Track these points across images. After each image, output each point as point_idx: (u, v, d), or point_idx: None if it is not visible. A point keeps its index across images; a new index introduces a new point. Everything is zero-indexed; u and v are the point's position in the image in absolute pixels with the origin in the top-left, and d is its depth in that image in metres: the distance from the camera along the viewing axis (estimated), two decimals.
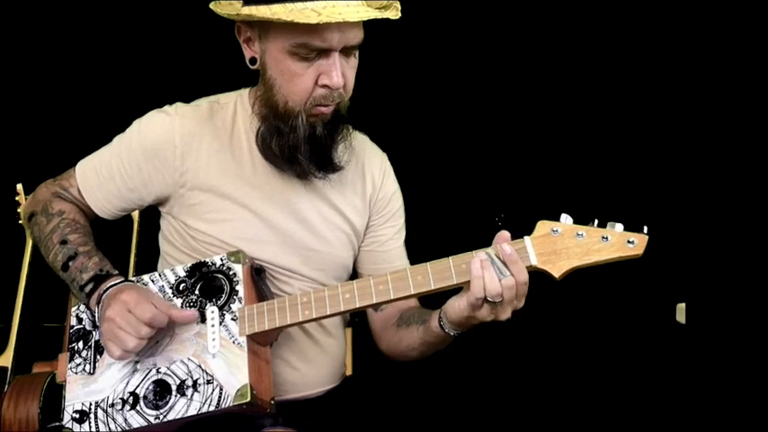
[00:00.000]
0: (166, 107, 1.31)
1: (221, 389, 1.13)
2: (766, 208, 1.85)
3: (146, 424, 1.14)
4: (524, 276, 1.08)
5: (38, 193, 1.36)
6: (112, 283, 1.19)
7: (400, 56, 2.32)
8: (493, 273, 1.07)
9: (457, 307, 1.13)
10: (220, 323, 1.18)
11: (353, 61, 1.21)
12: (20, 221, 2.06)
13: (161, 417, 1.13)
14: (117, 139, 1.32)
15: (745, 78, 1.98)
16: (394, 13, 1.17)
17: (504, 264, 1.07)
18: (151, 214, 1.41)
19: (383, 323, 1.40)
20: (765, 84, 1.93)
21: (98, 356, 1.21)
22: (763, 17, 1.93)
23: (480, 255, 1.09)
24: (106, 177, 1.30)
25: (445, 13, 2.36)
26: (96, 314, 1.20)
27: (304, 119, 1.20)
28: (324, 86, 1.17)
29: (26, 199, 2.08)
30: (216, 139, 1.29)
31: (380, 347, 1.42)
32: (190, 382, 1.14)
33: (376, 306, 1.17)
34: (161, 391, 1.15)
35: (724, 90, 2.03)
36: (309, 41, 1.13)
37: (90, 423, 1.16)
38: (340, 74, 1.16)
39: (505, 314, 1.10)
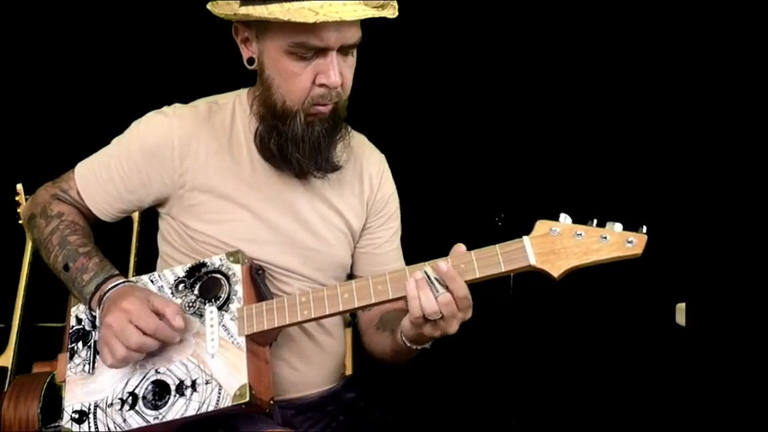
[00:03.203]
0: (165, 108, 1.31)
1: (220, 389, 1.12)
2: (766, 208, 1.85)
3: (145, 424, 1.14)
4: (463, 292, 1.07)
5: (37, 196, 1.35)
6: (113, 284, 1.19)
7: (399, 55, 2.32)
8: (428, 292, 1.06)
9: (405, 325, 1.14)
10: (219, 323, 1.18)
11: (351, 60, 1.21)
12: (20, 222, 2.06)
13: (160, 417, 1.13)
14: (116, 141, 1.32)
15: (745, 78, 1.98)
16: (391, 12, 1.17)
17: (441, 281, 1.06)
18: (151, 215, 1.41)
19: (367, 323, 1.41)
20: (765, 84, 1.93)
21: (97, 357, 1.21)
22: (764, 17, 1.93)
23: (416, 274, 1.07)
24: (105, 179, 1.30)
25: (443, 12, 2.36)
26: (97, 316, 1.20)
27: (302, 118, 1.20)
28: (321, 86, 1.17)
29: (26, 199, 2.10)
30: (214, 140, 1.29)
31: (363, 345, 1.43)
32: (189, 382, 1.14)
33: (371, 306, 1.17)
34: (160, 391, 1.15)
35: (724, 90, 2.02)
36: (307, 41, 1.13)
37: (89, 423, 1.16)
38: (338, 73, 1.16)
39: (452, 328, 1.09)
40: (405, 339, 1.19)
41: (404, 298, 1.13)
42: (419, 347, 1.20)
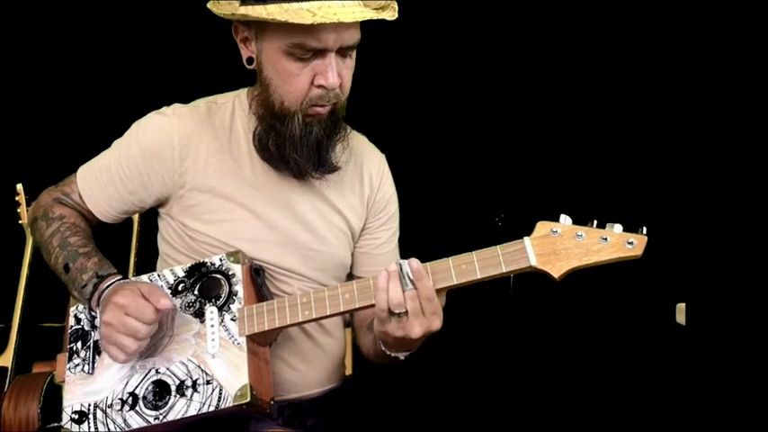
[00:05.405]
0: (164, 108, 1.31)
1: (221, 389, 1.13)
2: (766, 208, 1.85)
3: (145, 424, 1.14)
4: (427, 293, 1.07)
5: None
6: (109, 283, 1.19)
7: (400, 55, 2.32)
8: (397, 283, 1.07)
9: (375, 323, 1.13)
10: (220, 323, 1.18)
11: (350, 62, 1.21)
12: (20, 222, 2.07)
13: (160, 417, 1.13)
14: (116, 143, 1.32)
15: (745, 78, 1.98)
16: (391, 14, 1.16)
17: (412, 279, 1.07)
18: (151, 215, 1.41)
19: (359, 321, 1.41)
20: (765, 84, 1.93)
21: (97, 357, 1.21)
22: (764, 17, 1.93)
23: (390, 266, 1.08)
24: (106, 181, 1.30)
25: (444, 12, 2.36)
26: (98, 315, 1.20)
27: (300, 119, 1.20)
28: (320, 87, 1.17)
29: (26, 199, 2.10)
30: (214, 140, 1.29)
31: (356, 342, 1.44)
32: (189, 383, 1.14)
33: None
34: (160, 391, 1.15)
35: (724, 90, 2.02)
36: (305, 42, 1.13)
37: (89, 423, 1.16)
38: (336, 74, 1.16)
39: (414, 331, 1.08)
40: (380, 342, 1.18)
41: None
42: (393, 355, 1.19)
